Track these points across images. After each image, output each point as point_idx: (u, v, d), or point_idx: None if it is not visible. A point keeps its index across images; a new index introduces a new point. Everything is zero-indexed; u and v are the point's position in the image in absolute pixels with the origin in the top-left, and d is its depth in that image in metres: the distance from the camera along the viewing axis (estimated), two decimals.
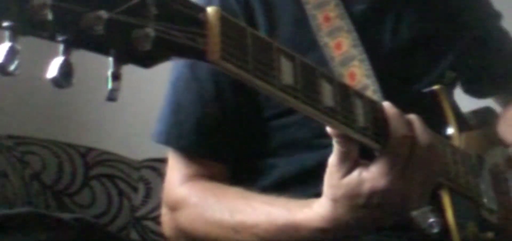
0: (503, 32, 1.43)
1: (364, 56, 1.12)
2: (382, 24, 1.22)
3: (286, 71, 0.76)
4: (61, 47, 0.61)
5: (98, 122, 2.67)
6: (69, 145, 2.47)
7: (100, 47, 0.62)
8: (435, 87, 1.15)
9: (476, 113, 1.30)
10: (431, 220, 1.03)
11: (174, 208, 1.17)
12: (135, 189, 2.50)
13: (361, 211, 0.91)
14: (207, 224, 1.10)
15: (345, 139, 0.87)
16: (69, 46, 0.60)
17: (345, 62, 1.12)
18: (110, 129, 2.66)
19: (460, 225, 1.07)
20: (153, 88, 2.58)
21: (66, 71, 0.60)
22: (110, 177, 2.48)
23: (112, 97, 0.64)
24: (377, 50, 1.17)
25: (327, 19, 1.15)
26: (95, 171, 2.47)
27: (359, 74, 1.11)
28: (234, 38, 0.71)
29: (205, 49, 0.68)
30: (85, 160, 2.46)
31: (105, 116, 2.67)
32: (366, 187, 0.89)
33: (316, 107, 0.80)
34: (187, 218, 1.14)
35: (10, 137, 2.36)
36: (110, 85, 0.64)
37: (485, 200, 1.13)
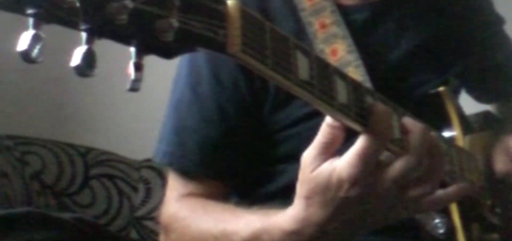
0: (505, 38, 1.43)
1: (359, 62, 1.12)
2: (383, 33, 1.22)
3: (302, 67, 0.76)
4: (84, 36, 0.61)
5: (98, 122, 2.68)
6: (69, 145, 2.47)
7: (123, 37, 0.62)
8: (440, 88, 1.14)
9: (477, 116, 1.30)
10: (437, 220, 1.03)
11: (165, 226, 1.16)
12: (135, 189, 2.50)
13: (331, 207, 0.85)
14: (193, 235, 1.09)
15: (336, 127, 0.83)
16: (93, 35, 0.60)
17: (341, 68, 1.12)
18: (110, 129, 2.66)
19: (466, 226, 1.06)
20: (153, 88, 2.59)
21: (89, 59, 0.60)
22: (110, 177, 2.48)
23: (134, 87, 0.65)
24: (378, 59, 1.17)
25: (323, 26, 1.15)
26: (95, 171, 2.46)
27: None
28: (254, 31, 0.71)
29: (225, 42, 0.68)
30: (85, 160, 2.46)
31: (105, 116, 2.67)
32: (335, 177, 0.83)
33: (330, 103, 0.79)
34: (177, 232, 1.13)
35: (10, 137, 2.36)
36: (133, 75, 0.64)
37: (488, 202, 1.13)
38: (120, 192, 2.48)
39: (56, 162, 2.41)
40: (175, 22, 0.63)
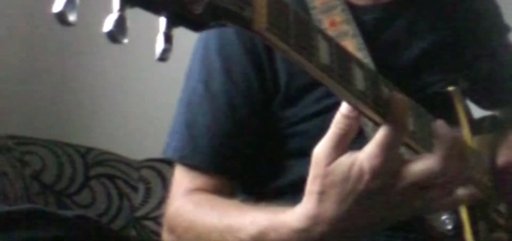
0: (510, 46, 1.43)
1: (369, 60, 1.12)
2: (395, 34, 1.22)
3: (323, 51, 0.77)
4: (116, 2, 0.62)
5: (98, 122, 2.67)
6: (69, 145, 2.46)
7: (154, 6, 0.63)
8: (450, 88, 1.15)
9: (483, 119, 1.30)
10: (445, 217, 1.03)
11: (170, 221, 1.16)
12: (135, 189, 2.49)
13: (347, 202, 0.84)
14: (198, 230, 1.09)
15: (351, 117, 0.83)
16: (125, 2, 0.61)
17: None
18: (110, 129, 2.66)
19: (473, 223, 1.07)
20: (153, 88, 2.59)
21: (121, 25, 0.61)
22: (110, 177, 2.48)
23: (163, 57, 0.65)
24: (388, 59, 1.17)
25: (333, 23, 1.16)
26: (95, 171, 2.46)
27: None
28: (279, 11, 0.72)
29: (252, 18, 0.69)
30: (85, 160, 2.46)
31: (105, 116, 2.67)
32: (356, 168, 0.82)
33: (349, 89, 0.79)
34: (182, 226, 1.13)
35: (10, 137, 2.36)
36: (162, 45, 0.65)
37: (494, 201, 1.13)
38: (120, 192, 2.48)
39: (56, 162, 2.41)
40: None
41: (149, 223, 2.44)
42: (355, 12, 1.18)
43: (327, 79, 0.77)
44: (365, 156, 0.82)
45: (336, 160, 0.83)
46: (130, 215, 2.47)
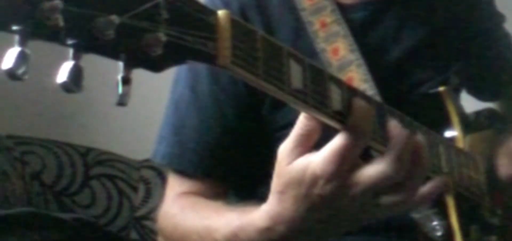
0: (506, 35, 1.43)
1: (361, 61, 1.12)
2: (384, 31, 1.21)
3: (296, 75, 0.75)
4: (70, 51, 0.60)
5: (98, 122, 2.67)
6: (69, 145, 2.47)
7: (110, 52, 0.61)
8: (440, 88, 1.14)
9: (479, 114, 1.30)
10: (435, 223, 1.02)
11: (159, 225, 1.16)
12: (135, 189, 2.50)
13: (303, 203, 0.82)
14: (182, 232, 1.09)
15: (313, 119, 0.80)
16: (79, 51, 0.59)
17: (343, 67, 1.12)
18: (110, 129, 2.66)
19: (464, 229, 1.06)
20: (153, 88, 2.59)
21: (76, 75, 0.59)
22: (110, 177, 2.48)
23: (122, 101, 0.63)
24: (378, 57, 1.16)
25: (323, 25, 1.15)
26: (95, 171, 2.47)
27: (357, 79, 1.11)
28: (245, 41, 0.70)
29: (215, 54, 0.67)
30: (85, 160, 2.46)
31: (105, 116, 2.67)
32: (309, 172, 0.80)
33: (325, 111, 0.77)
34: (167, 229, 1.13)
35: (10, 137, 2.36)
36: (120, 90, 0.63)
37: (489, 202, 1.12)
38: (120, 192, 2.48)
39: (56, 162, 2.41)
40: (163, 36, 0.62)
41: (149, 223, 2.44)
42: (343, 12, 1.17)
43: (301, 104, 0.75)
44: (320, 160, 0.79)
45: (294, 161, 0.81)
46: (130, 215, 2.47)
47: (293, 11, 1.17)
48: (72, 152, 2.46)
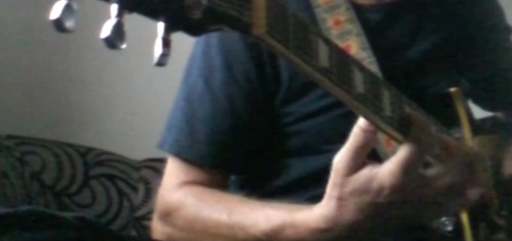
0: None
1: (372, 59, 1.13)
2: (399, 33, 1.23)
3: (323, 54, 0.78)
4: (114, 9, 0.62)
5: (98, 122, 2.67)
6: (69, 145, 2.46)
7: (152, 12, 0.63)
8: (451, 89, 1.15)
9: (485, 120, 1.30)
10: (444, 218, 1.04)
11: (167, 213, 1.16)
12: (135, 189, 2.49)
13: (366, 210, 0.89)
14: (204, 224, 1.09)
15: (368, 131, 0.86)
16: (123, 8, 0.61)
17: None
18: (110, 129, 2.66)
19: (473, 225, 1.08)
20: (153, 88, 2.59)
21: (119, 31, 0.61)
22: (110, 177, 2.48)
23: (161, 62, 0.65)
24: (392, 59, 1.18)
25: (337, 22, 1.16)
26: (95, 171, 2.46)
27: None
28: (278, 15, 0.72)
29: (251, 23, 0.69)
30: (85, 160, 2.46)
31: (105, 116, 2.67)
32: (375, 183, 0.87)
33: (349, 92, 0.81)
34: (184, 219, 1.13)
35: (10, 137, 2.35)
36: (160, 50, 0.65)
37: (495, 203, 1.13)
38: (120, 192, 2.47)
39: (55, 162, 2.41)
40: (204, 0, 0.64)
41: (149, 223, 2.43)
42: (359, 12, 1.18)
43: (327, 82, 0.78)
44: (386, 173, 0.86)
45: (356, 171, 0.87)
46: (130, 215, 2.47)
47: (308, 7, 1.18)
48: (72, 152, 2.45)
